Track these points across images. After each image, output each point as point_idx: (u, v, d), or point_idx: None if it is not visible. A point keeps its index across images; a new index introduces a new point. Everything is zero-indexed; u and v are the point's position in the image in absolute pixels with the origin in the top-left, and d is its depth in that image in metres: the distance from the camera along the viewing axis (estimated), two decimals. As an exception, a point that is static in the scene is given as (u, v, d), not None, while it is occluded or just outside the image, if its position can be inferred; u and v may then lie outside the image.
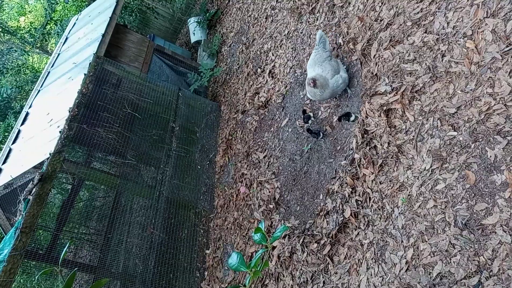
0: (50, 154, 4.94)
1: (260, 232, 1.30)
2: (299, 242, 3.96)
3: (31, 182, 4.87)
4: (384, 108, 3.80)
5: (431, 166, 3.12)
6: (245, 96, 6.49)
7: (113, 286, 6.13)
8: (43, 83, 7.20)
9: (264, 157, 5.34)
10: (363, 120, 3.96)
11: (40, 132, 5.84)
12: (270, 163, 5.16)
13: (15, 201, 5.34)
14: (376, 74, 4.04)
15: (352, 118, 4.15)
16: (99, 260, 5.95)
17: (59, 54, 7.74)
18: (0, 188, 5.72)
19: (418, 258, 2.83)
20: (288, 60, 5.70)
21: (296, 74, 5.39)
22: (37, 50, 14.09)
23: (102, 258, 5.92)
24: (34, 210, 4.61)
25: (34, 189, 4.75)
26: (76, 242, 7.35)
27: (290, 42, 5.79)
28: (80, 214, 6.80)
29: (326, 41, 4.24)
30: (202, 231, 5.63)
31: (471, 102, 3.04)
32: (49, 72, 7.36)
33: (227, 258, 1.30)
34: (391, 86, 3.78)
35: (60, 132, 5.18)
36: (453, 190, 2.87)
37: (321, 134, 4.48)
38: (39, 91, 7.07)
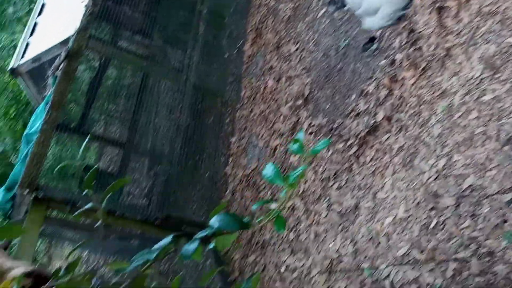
0: (75, 30, 4.79)
1: (298, 142, 1.23)
2: (325, 140, 3.96)
3: (58, 58, 4.83)
4: (437, 5, 3.41)
5: (480, 75, 2.89)
6: (280, -21, 5.93)
7: (141, 163, 6.48)
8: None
9: (296, 50, 5.07)
10: (410, 18, 3.60)
11: (65, 7, 5.60)
12: (302, 57, 4.92)
13: (44, 75, 5.38)
14: (435, -37, 3.54)
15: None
16: (128, 137, 6.20)
17: None
18: (28, 61, 5.73)
19: (450, 169, 2.80)
20: None
21: (341, -43, 4.79)
22: None
23: (130, 136, 6.16)
24: (62, 87, 4.63)
25: (61, 66, 4.73)
26: (106, 118, 7.59)
27: None
28: (109, 92, 6.89)
29: None
30: (228, 119, 5.68)
31: (545, 5, 2.67)
32: None
33: (262, 170, 1.22)
34: (451, -21, 3.34)
35: (85, 7, 4.94)
36: (501, 103, 2.69)
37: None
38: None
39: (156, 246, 1.00)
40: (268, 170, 1.24)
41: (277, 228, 1.09)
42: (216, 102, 5.69)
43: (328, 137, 3.95)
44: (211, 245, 1.10)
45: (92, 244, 5.51)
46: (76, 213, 3.47)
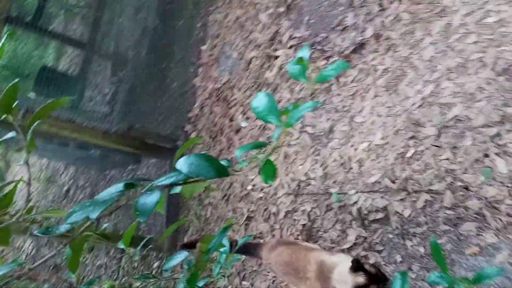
0: None
1: (302, 63, 0.87)
2: (305, 56, 3.62)
3: None
4: None
5: (487, -7, 2.56)
6: None
7: (104, 66, 5.96)
8: None
9: None
10: None
11: None
12: (288, -43, 4.32)
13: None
14: None
15: None
16: (89, 37, 5.63)
17: None
18: None
19: (436, 96, 2.58)
20: None
21: None
22: None
23: (92, 36, 5.58)
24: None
25: None
26: (65, 13, 6.86)
27: None
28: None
29: None
30: (199, 24, 5.13)
31: None
32: None
33: (253, 100, 0.84)
34: None
35: None
36: (505, 27, 2.41)
37: None
38: None
39: (103, 195, 0.72)
40: (260, 100, 0.87)
41: (264, 178, 0.83)
42: (187, 3, 5.09)
43: (311, 52, 3.60)
44: (176, 190, 0.84)
45: (50, 150, 5.22)
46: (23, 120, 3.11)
